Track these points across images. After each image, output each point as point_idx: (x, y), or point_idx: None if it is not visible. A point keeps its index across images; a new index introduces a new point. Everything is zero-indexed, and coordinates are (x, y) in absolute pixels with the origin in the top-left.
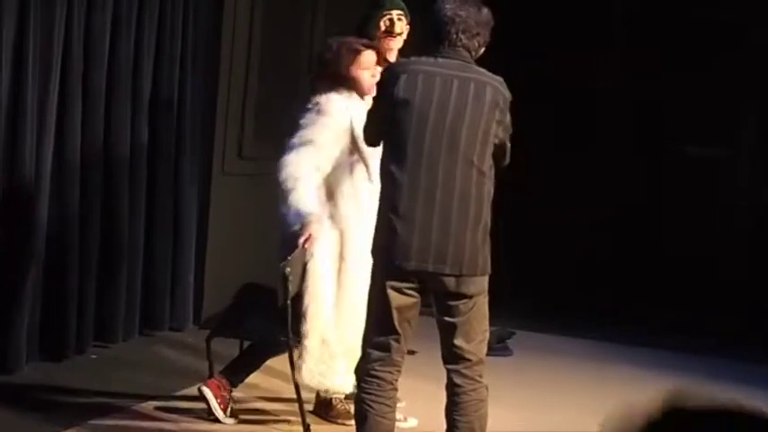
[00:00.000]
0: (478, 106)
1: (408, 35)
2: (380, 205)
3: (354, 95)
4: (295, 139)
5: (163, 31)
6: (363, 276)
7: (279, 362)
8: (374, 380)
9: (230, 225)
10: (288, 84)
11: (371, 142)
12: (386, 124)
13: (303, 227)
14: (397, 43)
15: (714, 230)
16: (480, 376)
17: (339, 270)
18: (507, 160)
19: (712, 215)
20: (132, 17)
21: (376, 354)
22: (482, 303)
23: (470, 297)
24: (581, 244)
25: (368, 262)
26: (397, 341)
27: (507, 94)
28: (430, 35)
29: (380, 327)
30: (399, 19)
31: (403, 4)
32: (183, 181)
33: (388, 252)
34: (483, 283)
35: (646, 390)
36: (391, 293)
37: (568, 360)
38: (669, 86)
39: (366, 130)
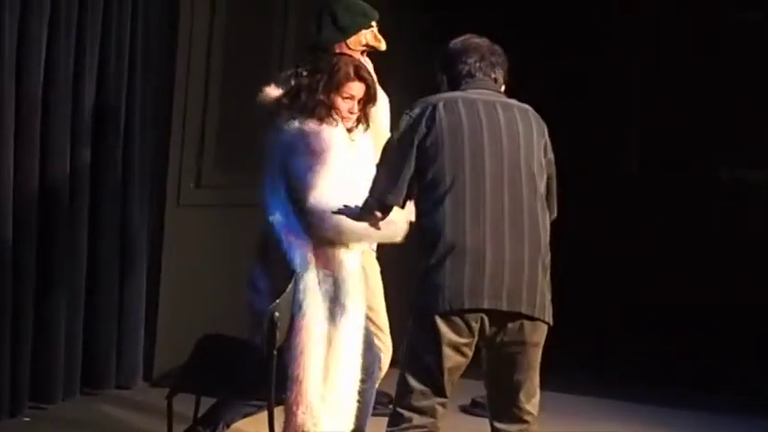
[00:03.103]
0: (528, 132)
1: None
2: (429, 242)
3: (339, 125)
4: (315, 198)
5: (107, 39)
6: (357, 329)
7: (248, 423)
8: None
9: (187, 266)
10: (255, 100)
11: (396, 199)
12: (410, 170)
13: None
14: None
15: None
16: None
17: (333, 322)
18: (555, 213)
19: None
20: (72, 21)
21: (419, 419)
22: (539, 355)
23: (535, 345)
24: (606, 288)
25: (361, 311)
26: (444, 406)
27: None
28: (441, 75)
29: (427, 388)
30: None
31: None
32: (131, 214)
33: (450, 295)
34: (545, 331)
35: None
36: (447, 352)
37: (590, 424)
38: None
39: (385, 181)
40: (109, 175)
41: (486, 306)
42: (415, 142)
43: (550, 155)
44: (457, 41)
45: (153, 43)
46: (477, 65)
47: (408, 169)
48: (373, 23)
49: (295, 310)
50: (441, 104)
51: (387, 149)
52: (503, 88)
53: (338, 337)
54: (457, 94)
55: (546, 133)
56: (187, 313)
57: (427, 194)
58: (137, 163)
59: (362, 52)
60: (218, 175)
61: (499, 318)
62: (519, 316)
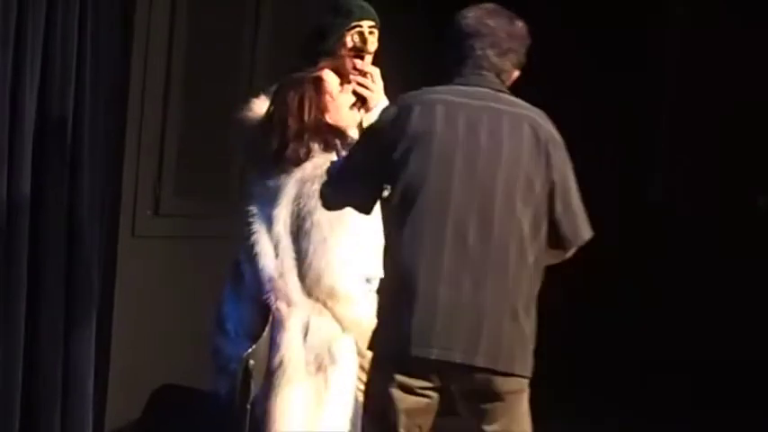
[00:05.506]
0: (515, 151)
1: (376, 53)
2: (387, 273)
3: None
4: None
5: (51, 45)
6: (346, 387)
7: None
8: None
9: (144, 307)
10: (221, 116)
11: (345, 199)
12: (373, 179)
13: None
14: (366, 64)
15: None
16: None
17: (317, 379)
18: (585, 233)
19: None
20: (10, 25)
21: None
22: (520, 402)
23: (511, 393)
24: (621, 336)
25: (353, 367)
26: None
27: (554, 132)
28: (445, 55)
29: None
30: (371, 32)
31: (374, 13)
32: (78, 247)
33: (397, 339)
34: (522, 381)
35: None
36: (396, 393)
37: None
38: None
39: (341, 182)
40: (52, 200)
41: (434, 357)
42: (382, 151)
43: (556, 175)
44: (470, 18)
45: (103, 49)
46: (485, 53)
47: (368, 178)
48: (362, 23)
49: (273, 362)
50: (417, 111)
51: (359, 143)
52: (515, 74)
53: (323, 397)
54: (440, 94)
55: (549, 147)
56: (144, 362)
57: (390, 217)
58: (85, 188)
59: (356, 56)
60: (180, 202)
61: (453, 369)
62: (477, 368)
